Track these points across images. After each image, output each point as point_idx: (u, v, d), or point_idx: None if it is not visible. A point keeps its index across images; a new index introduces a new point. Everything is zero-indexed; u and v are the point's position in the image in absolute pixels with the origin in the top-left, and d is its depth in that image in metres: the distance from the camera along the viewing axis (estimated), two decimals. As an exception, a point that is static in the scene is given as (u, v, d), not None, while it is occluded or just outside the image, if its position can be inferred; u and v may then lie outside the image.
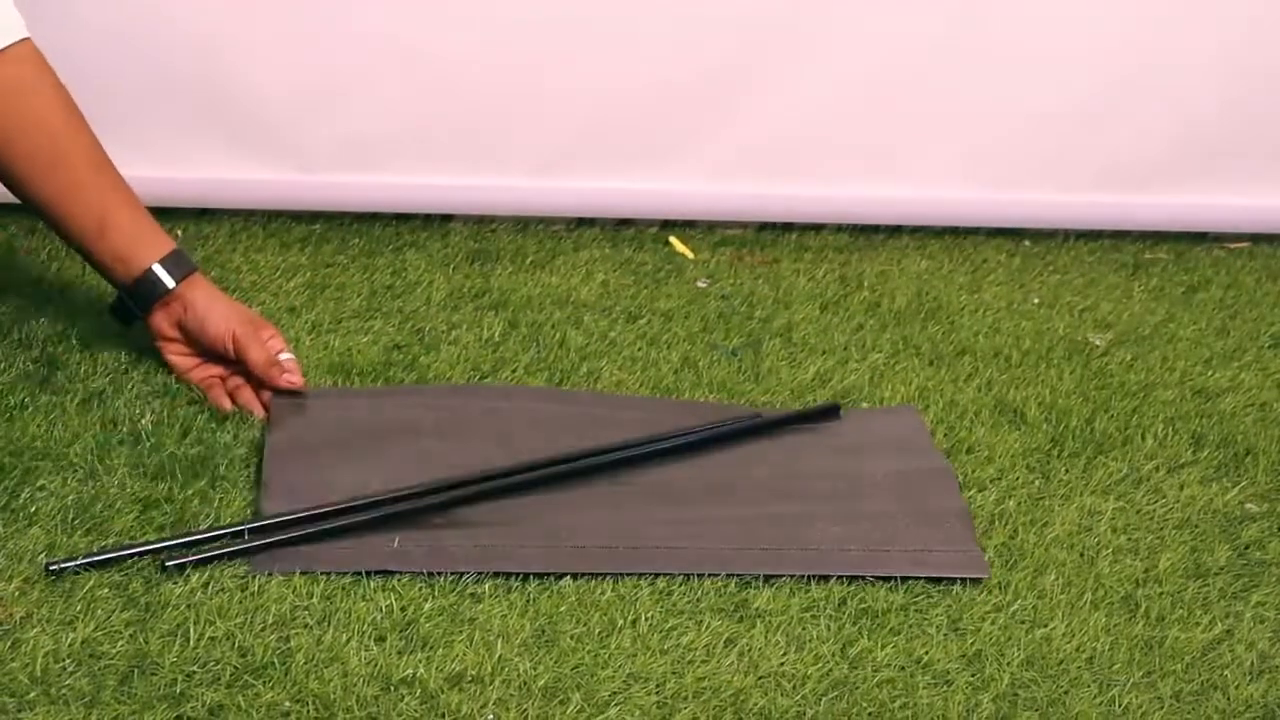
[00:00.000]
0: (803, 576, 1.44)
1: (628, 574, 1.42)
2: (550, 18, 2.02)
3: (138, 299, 1.62)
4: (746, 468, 1.61)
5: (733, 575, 1.43)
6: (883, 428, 1.71)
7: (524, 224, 2.10)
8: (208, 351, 1.63)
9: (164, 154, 1.97)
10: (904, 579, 1.45)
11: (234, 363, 1.62)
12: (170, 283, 1.61)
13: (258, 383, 1.62)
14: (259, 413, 1.60)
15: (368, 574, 1.38)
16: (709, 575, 1.43)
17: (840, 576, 1.45)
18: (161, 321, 1.63)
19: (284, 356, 1.64)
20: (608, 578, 1.41)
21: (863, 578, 1.45)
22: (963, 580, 1.47)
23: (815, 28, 2.09)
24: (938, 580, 1.46)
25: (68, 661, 1.25)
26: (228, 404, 1.61)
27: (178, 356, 1.64)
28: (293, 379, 1.61)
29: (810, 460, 1.63)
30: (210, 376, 1.64)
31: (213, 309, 1.62)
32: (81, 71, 1.86)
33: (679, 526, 1.49)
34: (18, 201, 1.62)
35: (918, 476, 1.61)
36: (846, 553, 1.48)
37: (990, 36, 2.14)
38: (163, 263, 1.61)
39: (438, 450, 1.57)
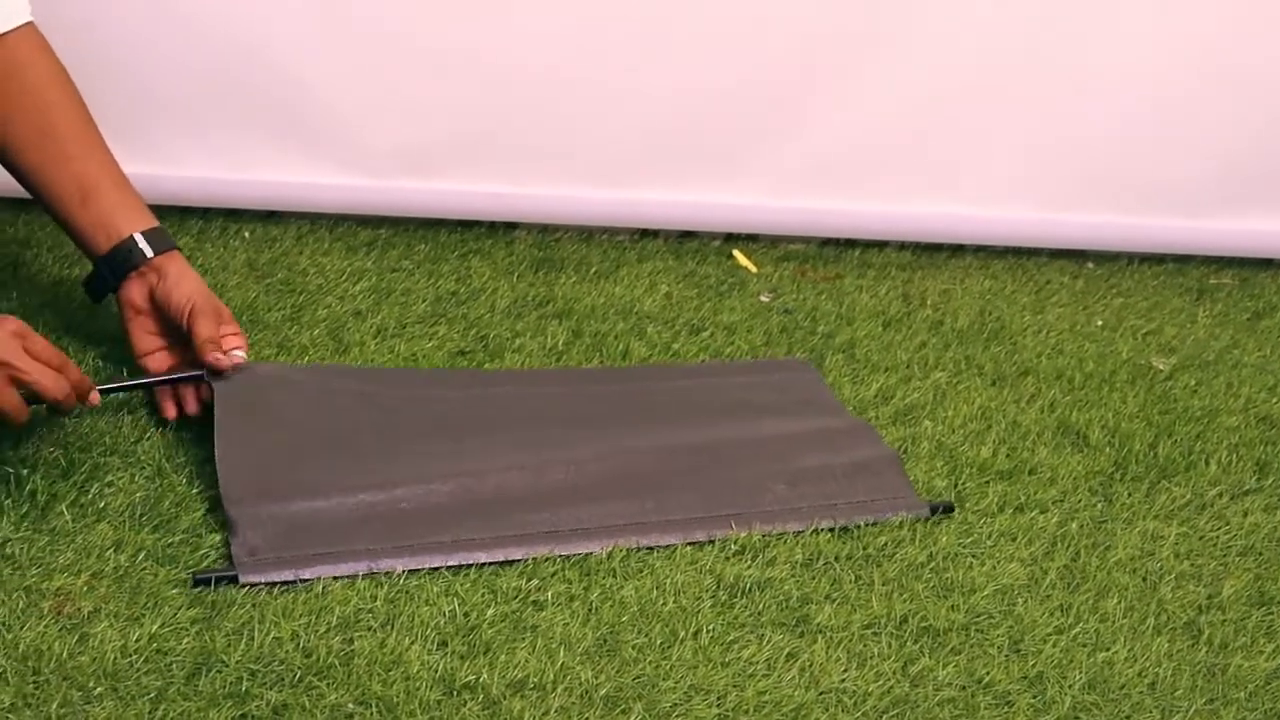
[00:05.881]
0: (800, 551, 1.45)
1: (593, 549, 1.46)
2: (618, 30, 2.03)
3: (115, 266, 1.58)
4: (685, 436, 1.65)
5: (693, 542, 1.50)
6: (789, 387, 1.79)
7: (588, 234, 2.11)
8: (171, 333, 1.59)
9: (234, 158, 1.98)
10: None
11: (189, 347, 1.58)
12: (149, 251, 1.58)
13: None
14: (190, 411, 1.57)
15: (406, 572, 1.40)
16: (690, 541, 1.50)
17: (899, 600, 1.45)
18: (134, 291, 1.58)
19: (236, 353, 1.58)
20: (669, 591, 1.42)
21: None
22: (1024, 599, 1.47)
23: (880, 45, 2.09)
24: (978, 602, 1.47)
25: (135, 657, 1.26)
26: (172, 412, 1.57)
27: (142, 334, 1.59)
28: (221, 360, 1.54)
29: (740, 425, 1.69)
30: (164, 368, 1.60)
31: (184, 280, 1.58)
32: (159, 79, 1.89)
33: (641, 501, 1.53)
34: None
35: (839, 433, 1.69)
36: (798, 510, 1.55)
37: (1057, 57, 2.13)
38: (145, 234, 1.59)
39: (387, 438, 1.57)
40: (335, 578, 1.38)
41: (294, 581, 1.37)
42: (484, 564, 1.42)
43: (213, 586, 1.35)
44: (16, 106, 1.58)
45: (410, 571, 1.40)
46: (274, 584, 1.36)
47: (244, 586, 1.35)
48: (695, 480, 1.57)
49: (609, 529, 1.49)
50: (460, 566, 1.41)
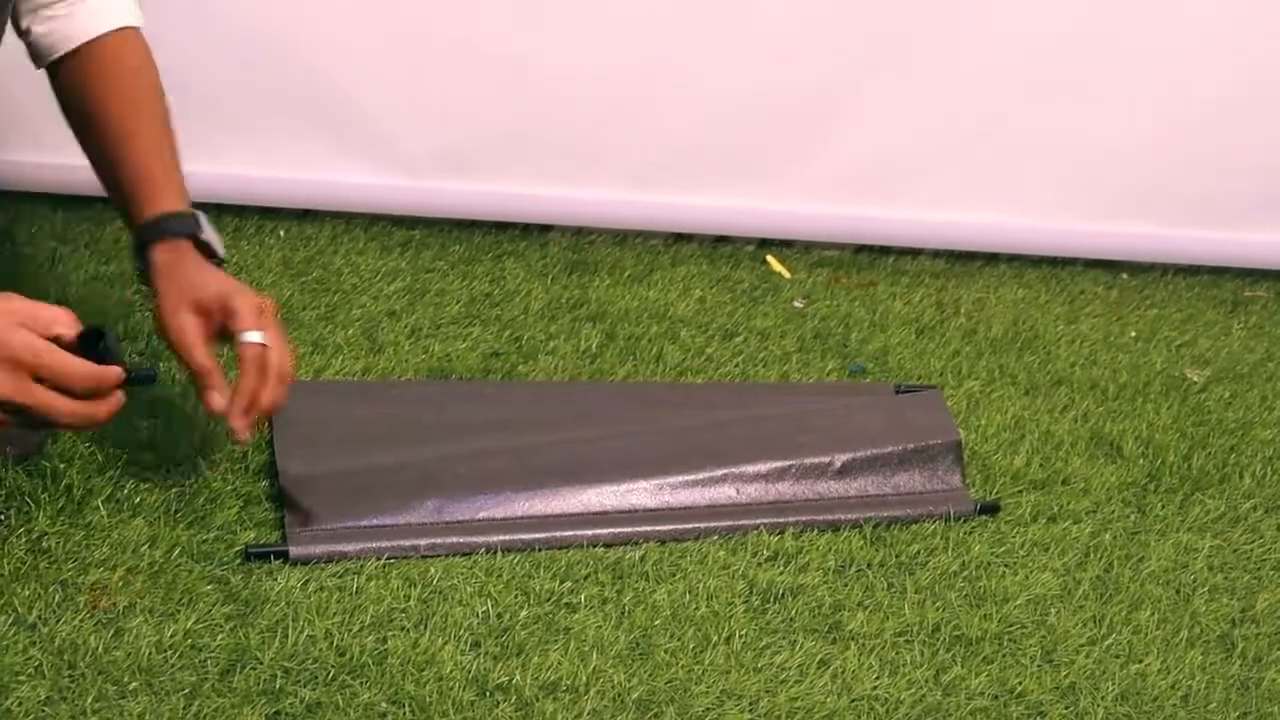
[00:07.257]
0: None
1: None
2: (655, 35, 2.03)
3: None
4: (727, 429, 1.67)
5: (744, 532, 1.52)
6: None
7: (622, 237, 2.11)
8: None
9: (270, 155, 1.99)
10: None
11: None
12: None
13: None
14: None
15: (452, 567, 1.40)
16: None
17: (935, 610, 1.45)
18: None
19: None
20: (701, 595, 1.42)
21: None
22: (1057, 609, 1.47)
23: (915, 55, 2.09)
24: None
25: (170, 653, 1.26)
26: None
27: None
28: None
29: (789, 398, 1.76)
30: None
31: (159, 287, 1.41)
32: (196, 76, 1.89)
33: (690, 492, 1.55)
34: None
35: (906, 405, 1.74)
36: (847, 500, 1.58)
37: (1092, 68, 2.13)
38: (140, 226, 1.43)
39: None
40: (379, 560, 1.40)
41: (347, 555, 1.39)
42: (535, 549, 1.45)
43: (271, 561, 1.38)
44: (104, 104, 1.48)
45: (445, 570, 1.40)
46: (325, 561, 1.39)
47: (279, 581, 1.35)
48: (734, 439, 1.62)
49: (670, 514, 1.51)
50: (494, 567, 1.41)
